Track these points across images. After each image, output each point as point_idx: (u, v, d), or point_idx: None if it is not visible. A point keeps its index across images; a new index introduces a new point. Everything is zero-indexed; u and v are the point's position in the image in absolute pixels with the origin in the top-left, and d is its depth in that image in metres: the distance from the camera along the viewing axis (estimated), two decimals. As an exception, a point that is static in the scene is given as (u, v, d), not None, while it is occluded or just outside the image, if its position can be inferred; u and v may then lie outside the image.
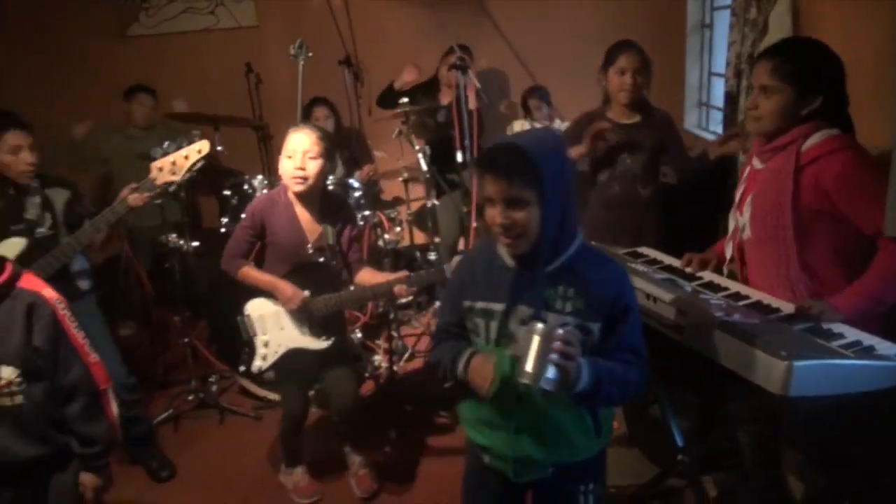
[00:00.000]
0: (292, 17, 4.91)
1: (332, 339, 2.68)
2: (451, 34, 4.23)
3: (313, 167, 2.58)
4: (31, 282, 1.91)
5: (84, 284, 2.86)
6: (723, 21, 4.10)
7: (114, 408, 2.02)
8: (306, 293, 2.62)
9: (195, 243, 3.71)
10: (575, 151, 2.90)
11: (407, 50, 4.74)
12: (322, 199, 2.73)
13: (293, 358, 2.71)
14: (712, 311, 1.80)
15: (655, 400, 2.38)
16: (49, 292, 1.91)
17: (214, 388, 3.65)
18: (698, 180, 3.24)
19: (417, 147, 3.69)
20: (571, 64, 4.54)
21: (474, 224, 3.60)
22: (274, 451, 3.18)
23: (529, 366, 1.45)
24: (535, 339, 1.46)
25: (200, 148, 2.60)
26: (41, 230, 2.70)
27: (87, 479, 1.98)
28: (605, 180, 3.07)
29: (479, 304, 1.68)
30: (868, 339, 1.72)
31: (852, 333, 1.75)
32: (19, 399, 1.85)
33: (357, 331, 3.66)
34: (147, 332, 4.08)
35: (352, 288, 2.78)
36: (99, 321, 2.91)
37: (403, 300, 2.60)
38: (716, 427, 2.39)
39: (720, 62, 4.12)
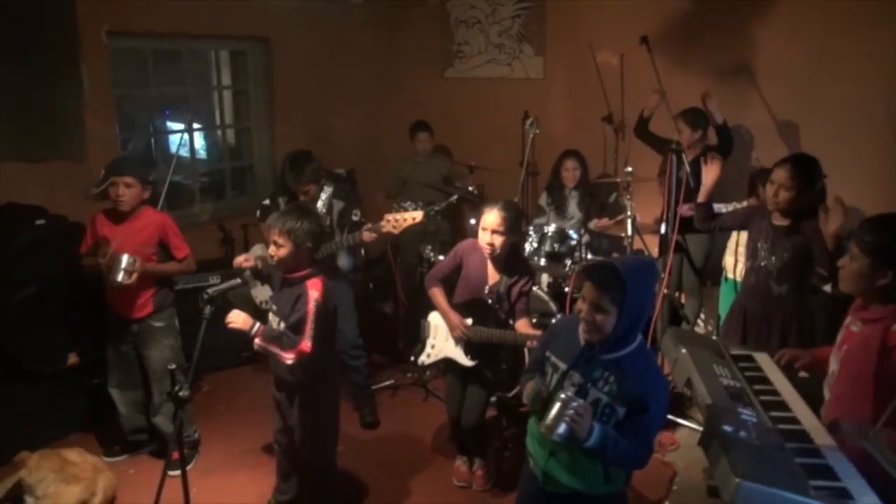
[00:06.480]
0: (573, 75, 5.60)
1: (477, 361, 3.36)
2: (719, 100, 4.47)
3: (498, 240, 3.25)
4: (310, 282, 2.90)
5: (343, 271, 4.01)
6: None
7: (287, 357, 2.81)
8: (468, 322, 3.32)
9: (442, 257, 4.67)
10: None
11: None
12: (508, 256, 3.35)
13: (448, 365, 3.48)
14: (724, 424, 2.09)
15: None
16: (314, 293, 2.85)
17: (427, 373, 4.59)
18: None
19: (628, 213, 4.14)
20: (838, 146, 4.43)
21: (664, 290, 3.98)
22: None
23: (549, 419, 2.02)
24: (557, 404, 2.03)
25: (416, 216, 3.48)
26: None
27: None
28: (747, 270, 3.38)
29: (553, 358, 2.28)
30: (857, 487, 1.88)
31: (847, 476, 1.91)
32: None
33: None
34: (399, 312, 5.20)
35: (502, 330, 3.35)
36: (350, 297, 4.05)
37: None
38: None
39: None
